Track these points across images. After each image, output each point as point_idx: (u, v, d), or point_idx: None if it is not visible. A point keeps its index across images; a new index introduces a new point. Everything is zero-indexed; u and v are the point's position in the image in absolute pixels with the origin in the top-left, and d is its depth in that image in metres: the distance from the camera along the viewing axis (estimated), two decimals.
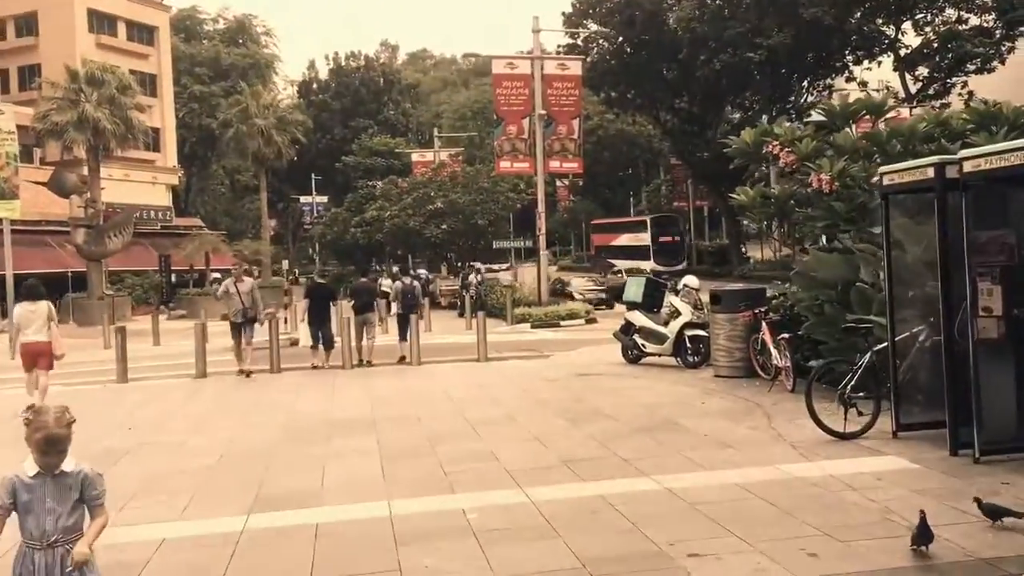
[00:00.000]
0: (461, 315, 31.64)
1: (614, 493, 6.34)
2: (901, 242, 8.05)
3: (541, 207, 28.68)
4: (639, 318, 13.99)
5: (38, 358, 11.31)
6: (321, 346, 15.95)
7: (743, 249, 58.62)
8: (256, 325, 15.43)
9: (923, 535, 4.90)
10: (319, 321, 16.13)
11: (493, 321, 28.25)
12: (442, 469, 7.35)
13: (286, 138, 45.14)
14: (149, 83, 59.89)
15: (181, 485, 7.19)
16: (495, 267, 42.95)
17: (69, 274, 34.81)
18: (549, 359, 16.43)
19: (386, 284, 25.68)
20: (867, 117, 11.58)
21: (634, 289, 14.41)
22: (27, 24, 56.22)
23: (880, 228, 8.26)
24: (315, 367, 15.51)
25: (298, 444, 8.74)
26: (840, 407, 7.84)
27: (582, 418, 9.45)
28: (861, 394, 7.91)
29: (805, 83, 49.13)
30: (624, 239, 59.52)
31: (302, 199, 75.85)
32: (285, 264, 70.41)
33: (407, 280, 18.80)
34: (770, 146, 11.32)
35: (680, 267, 46.29)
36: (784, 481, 6.55)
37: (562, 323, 25.89)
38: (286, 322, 24.04)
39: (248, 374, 14.71)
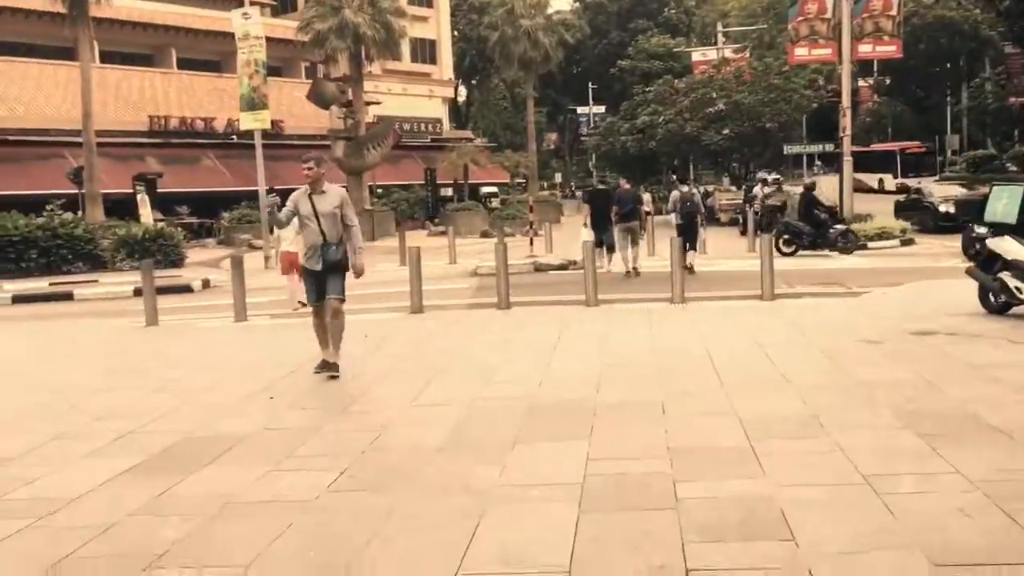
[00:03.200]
0: (743, 234, 27.24)
1: None
2: None
3: (846, 101, 23.38)
4: (1012, 247, 9.33)
5: (290, 264, 13.26)
6: (604, 249, 16.79)
7: None
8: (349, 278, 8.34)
9: None
10: (601, 225, 16.87)
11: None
12: (682, 554, 3.77)
13: (554, 39, 41.90)
14: None
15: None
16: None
17: None
18: (860, 300, 12.08)
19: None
20: None
21: (1003, 204, 9.67)
22: None
23: None
24: (600, 268, 14.90)
25: (458, 458, 5.48)
26: None
27: (946, 433, 5.38)
28: None
29: None
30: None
31: (579, 110, 72.96)
32: (559, 177, 68.22)
33: (685, 188, 17.96)
34: None
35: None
36: None
37: (870, 244, 20.93)
38: (532, 244, 21.10)
39: (331, 370, 8.15)
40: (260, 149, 23.69)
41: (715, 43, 53.39)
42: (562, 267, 18.01)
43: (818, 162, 65.83)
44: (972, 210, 11.45)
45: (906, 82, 64.97)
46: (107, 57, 43.18)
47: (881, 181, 42.00)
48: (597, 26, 70.32)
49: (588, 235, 16.77)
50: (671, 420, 5.99)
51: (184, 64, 45.61)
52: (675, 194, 18.25)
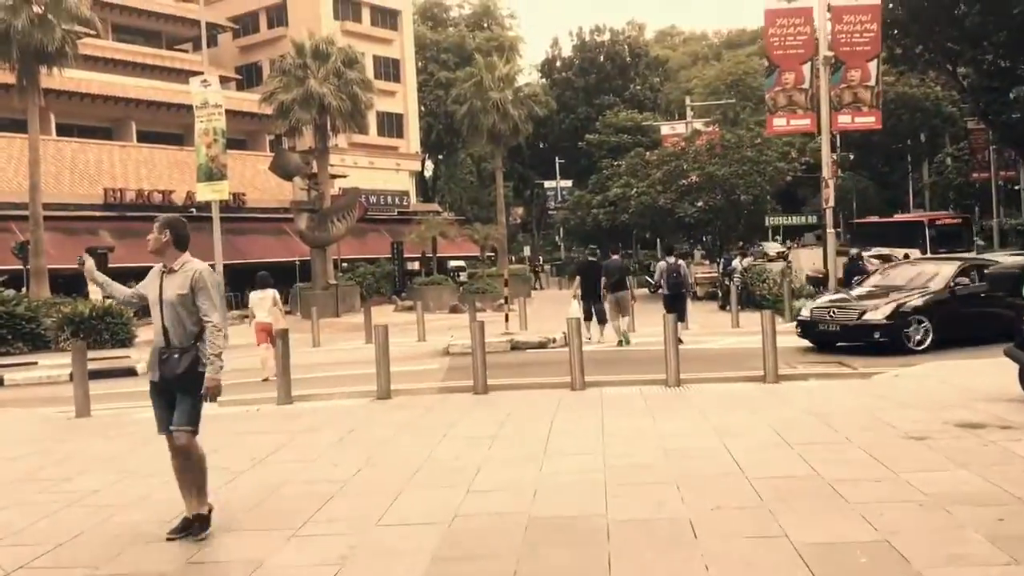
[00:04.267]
0: (723, 307, 26.35)
1: None
2: None
3: (827, 172, 22.70)
4: None
5: (265, 334, 14.36)
6: (595, 320, 16.99)
7: None
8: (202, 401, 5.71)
9: None
10: (591, 296, 16.99)
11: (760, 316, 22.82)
12: None
13: (523, 112, 41.45)
14: (393, 68, 58.98)
15: None
16: (770, 249, 36.59)
17: (297, 263, 32.96)
18: (873, 383, 10.97)
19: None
20: None
21: None
22: (277, 15, 56.73)
23: None
24: (588, 340, 15.18)
25: None
26: None
27: None
28: None
29: None
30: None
31: (546, 184, 72.72)
32: (527, 251, 67.49)
33: (671, 260, 17.82)
34: None
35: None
36: None
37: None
38: (507, 320, 19.90)
39: (193, 530, 5.59)
40: (217, 222, 22.50)
41: (683, 117, 53.51)
42: (541, 345, 16.80)
43: (804, 235, 65.67)
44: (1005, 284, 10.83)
45: (869, 157, 65.75)
46: (65, 130, 41.97)
47: (907, 257, 36.33)
48: (564, 101, 70.49)
49: (577, 308, 16.70)
50: (708, 549, 4.73)
51: (145, 137, 44.50)
52: (661, 265, 18.05)
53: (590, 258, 19.41)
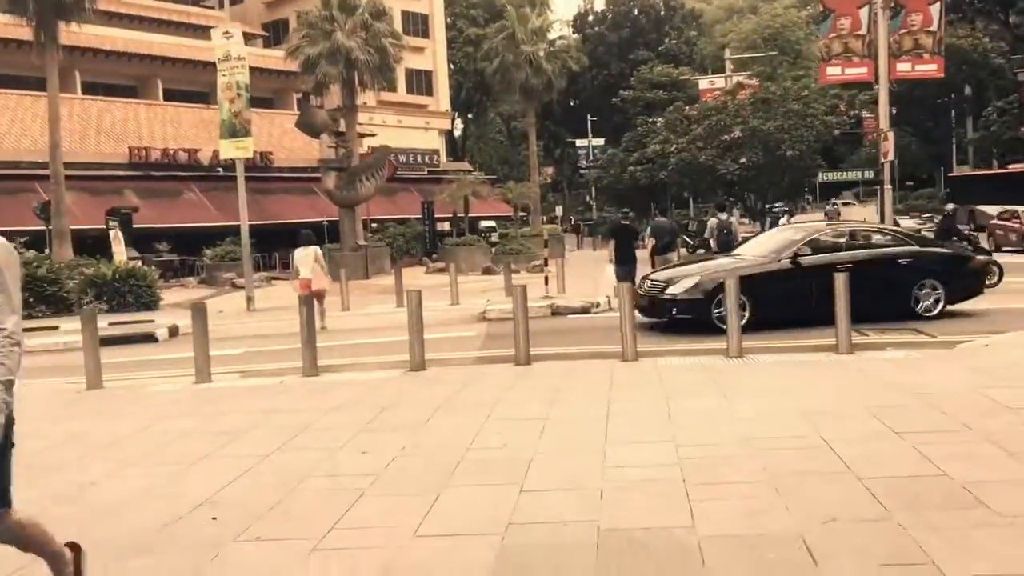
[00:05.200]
0: None
1: None
2: None
3: (885, 123, 21.35)
4: None
5: (308, 290, 14.51)
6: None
7: None
8: None
9: None
10: (626, 260, 16.22)
11: None
12: None
13: (556, 66, 39.97)
14: (421, 24, 57.56)
15: None
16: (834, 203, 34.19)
17: (325, 224, 32.04)
18: (961, 352, 9.85)
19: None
20: None
21: None
22: None
23: None
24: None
25: None
26: None
27: None
28: None
29: None
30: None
31: (578, 143, 71.27)
32: (559, 210, 66.23)
33: (723, 216, 16.96)
34: None
35: None
36: None
37: None
38: (547, 282, 18.84)
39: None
40: (242, 180, 21.49)
41: (720, 72, 51.70)
42: (584, 310, 15.74)
43: (842, 193, 63.68)
44: None
45: (912, 112, 63.49)
46: (90, 88, 41.26)
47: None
48: (596, 57, 68.76)
49: (612, 273, 16.22)
50: None
51: (171, 95, 43.67)
52: (712, 222, 17.36)
53: (623, 221, 18.75)
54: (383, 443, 6.72)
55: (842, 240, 13.57)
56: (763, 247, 13.71)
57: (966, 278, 13.31)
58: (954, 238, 16.86)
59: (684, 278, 12.78)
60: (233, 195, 24.10)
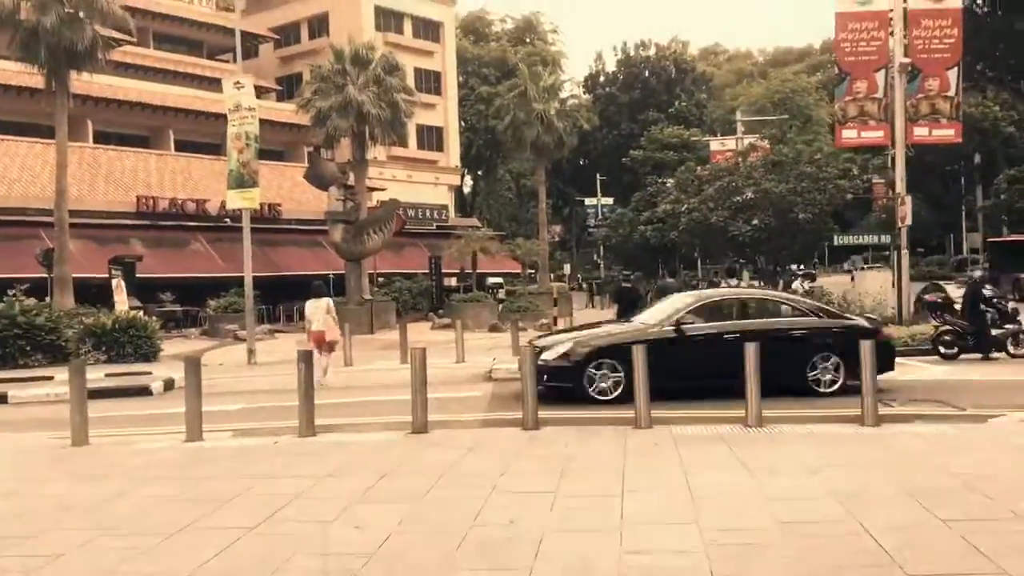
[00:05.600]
0: None
1: None
2: None
3: (901, 187, 21.01)
4: None
5: (320, 342, 14.96)
6: None
7: None
8: None
9: None
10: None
11: None
12: None
13: (568, 124, 40.00)
14: (434, 81, 57.98)
15: None
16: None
17: (331, 277, 31.69)
18: (996, 427, 9.32)
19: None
20: None
21: None
22: (319, 25, 56.06)
23: None
24: None
25: None
26: None
27: None
28: None
29: None
30: None
31: (587, 201, 71.33)
32: (567, 268, 65.90)
33: (732, 282, 17.23)
34: None
35: None
36: None
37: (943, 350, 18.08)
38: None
39: None
40: (247, 230, 21.21)
41: (730, 135, 51.79)
42: None
43: (852, 257, 63.26)
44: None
45: (922, 179, 63.40)
46: (102, 137, 41.34)
47: None
48: (607, 117, 69.18)
49: None
50: None
51: (183, 147, 43.74)
52: (722, 288, 16.48)
53: (623, 284, 19.13)
54: (380, 516, 6.19)
55: (734, 308, 12.84)
56: (658, 313, 12.98)
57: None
58: (981, 306, 16.32)
59: (558, 344, 12.21)
60: (239, 246, 23.83)
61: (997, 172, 66.06)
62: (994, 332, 16.22)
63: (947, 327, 16.51)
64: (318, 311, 15.13)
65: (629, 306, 16.72)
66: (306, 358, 10.20)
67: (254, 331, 21.81)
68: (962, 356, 16.17)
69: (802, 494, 6.47)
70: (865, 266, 44.96)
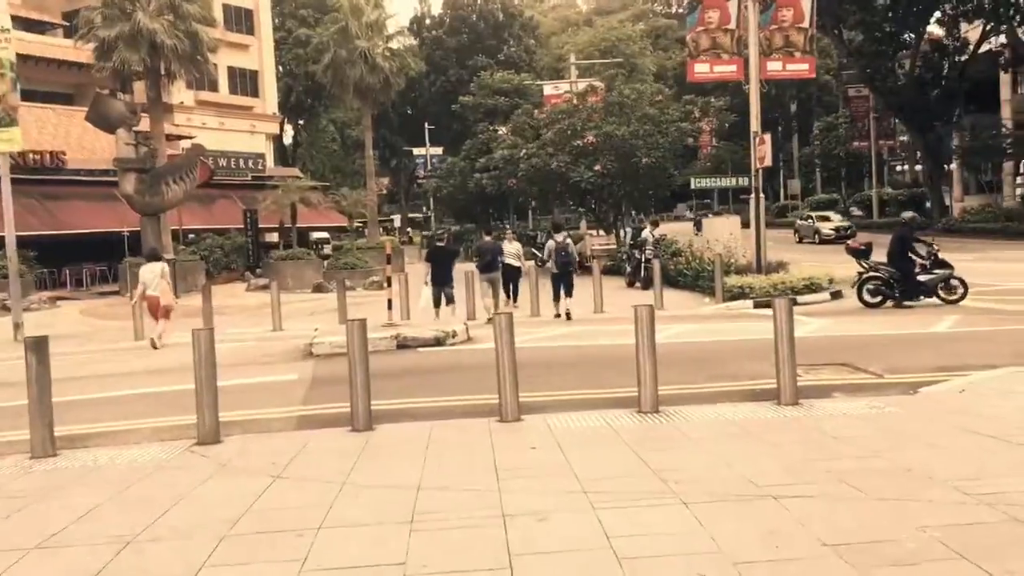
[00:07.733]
0: (631, 284, 23.08)
1: None
2: None
3: (756, 125, 19.60)
4: None
5: (155, 308, 14.77)
6: (444, 303, 16.42)
7: (945, 198, 47.84)
8: None
9: None
10: (441, 283, 16.48)
11: (682, 295, 19.59)
12: None
13: (394, 65, 36.89)
14: (245, 19, 52.97)
15: None
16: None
17: (126, 234, 27.62)
18: (938, 401, 7.65)
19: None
20: None
21: None
22: None
23: None
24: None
25: None
26: None
27: None
28: None
29: None
30: None
31: (415, 151, 68.33)
32: (397, 221, 62.94)
33: (559, 237, 17.37)
34: None
35: None
36: None
37: (800, 300, 16.87)
38: (390, 307, 15.74)
39: None
40: (7, 181, 17.27)
41: (566, 77, 50.08)
42: (437, 342, 12.71)
43: (678, 204, 63.39)
44: None
45: (745, 127, 64.26)
46: None
47: None
48: (435, 62, 66.09)
49: (428, 295, 16.37)
50: None
51: None
52: (550, 244, 17.57)
53: (437, 243, 19.26)
54: None
55: None
56: None
57: None
58: (910, 252, 15.29)
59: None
60: (15, 199, 19.77)
61: (813, 120, 68.11)
62: (922, 278, 15.34)
63: (872, 273, 15.50)
64: (153, 275, 14.59)
65: (443, 265, 16.71)
66: (36, 346, 7.18)
67: (21, 301, 18.02)
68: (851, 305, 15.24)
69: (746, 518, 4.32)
70: (710, 213, 44.64)
